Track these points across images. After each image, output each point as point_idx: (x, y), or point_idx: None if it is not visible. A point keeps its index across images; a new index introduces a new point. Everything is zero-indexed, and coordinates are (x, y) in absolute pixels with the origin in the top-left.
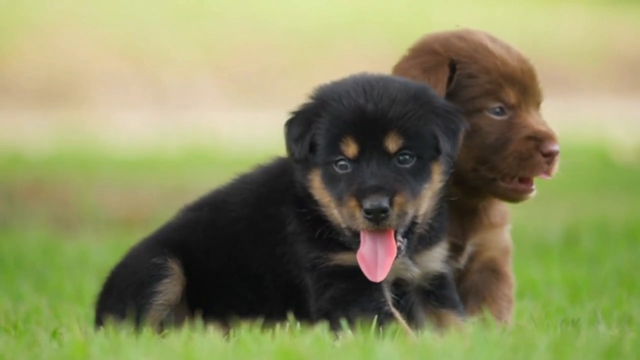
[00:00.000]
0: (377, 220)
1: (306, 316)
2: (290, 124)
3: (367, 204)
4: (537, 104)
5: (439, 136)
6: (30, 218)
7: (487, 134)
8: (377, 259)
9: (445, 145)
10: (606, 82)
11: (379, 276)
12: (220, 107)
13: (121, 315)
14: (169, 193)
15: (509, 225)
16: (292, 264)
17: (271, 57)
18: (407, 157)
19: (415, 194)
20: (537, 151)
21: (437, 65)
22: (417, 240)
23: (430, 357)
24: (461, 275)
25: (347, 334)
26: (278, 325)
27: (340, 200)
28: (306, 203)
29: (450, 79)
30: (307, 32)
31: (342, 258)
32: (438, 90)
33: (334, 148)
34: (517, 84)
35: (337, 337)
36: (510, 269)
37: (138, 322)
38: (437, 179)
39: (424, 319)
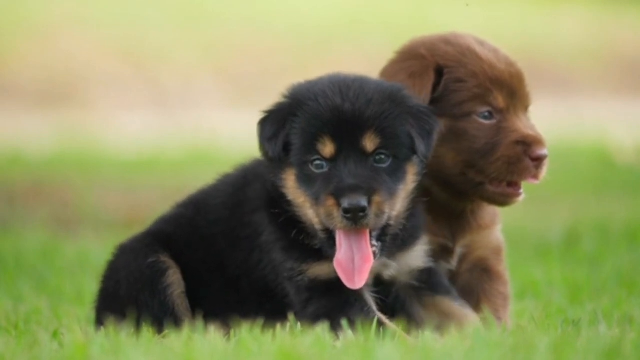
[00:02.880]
0: (356, 219)
1: (281, 320)
2: (263, 123)
3: (346, 203)
4: (526, 108)
5: (414, 137)
6: (31, 219)
7: (475, 138)
8: (354, 266)
9: (420, 146)
10: (606, 83)
11: (357, 283)
12: (220, 108)
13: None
14: (169, 194)
15: (500, 225)
16: (268, 270)
17: (271, 58)
18: (383, 156)
19: (391, 194)
20: (525, 155)
21: (423, 71)
22: (391, 242)
23: (430, 357)
24: (453, 276)
25: (347, 335)
26: (279, 326)
27: (317, 200)
28: (278, 203)
29: (437, 84)
30: (306, 33)
31: (316, 272)
32: (422, 96)
33: (310, 147)
34: (506, 88)
35: (337, 338)
36: (503, 267)
37: (174, 317)
38: (411, 180)
39: (423, 313)
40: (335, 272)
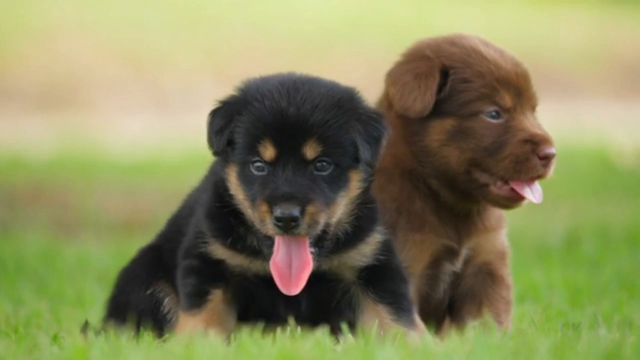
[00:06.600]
0: (287, 228)
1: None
2: (214, 115)
3: (278, 212)
4: (533, 107)
5: (359, 145)
6: (31, 222)
7: (482, 137)
8: (292, 272)
9: (365, 153)
10: (607, 86)
11: (293, 290)
12: None
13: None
14: (170, 197)
15: (505, 228)
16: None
17: (272, 61)
18: (324, 164)
19: (329, 203)
20: (533, 154)
21: (428, 72)
22: (330, 246)
23: None
24: (457, 279)
25: (347, 339)
26: (279, 329)
27: (253, 202)
28: (222, 195)
29: (443, 85)
30: (307, 36)
31: (218, 253)
32: (427, 96)
33: (252, 149)
34: (512, 88)
35: (337, 341)
36: (507, 272)
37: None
38: (354, 187)
39: (363, 317)
40: (228, 258)
